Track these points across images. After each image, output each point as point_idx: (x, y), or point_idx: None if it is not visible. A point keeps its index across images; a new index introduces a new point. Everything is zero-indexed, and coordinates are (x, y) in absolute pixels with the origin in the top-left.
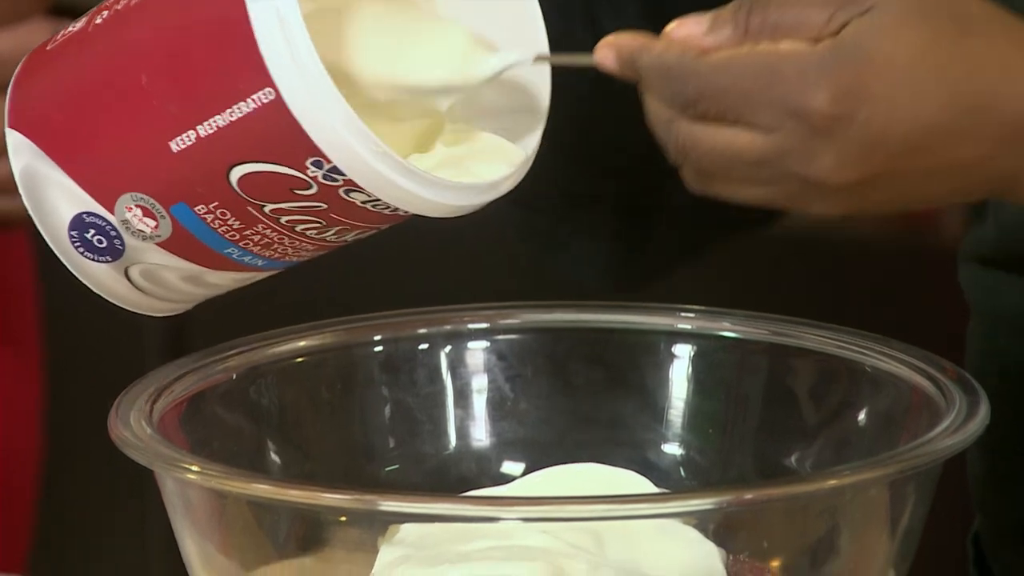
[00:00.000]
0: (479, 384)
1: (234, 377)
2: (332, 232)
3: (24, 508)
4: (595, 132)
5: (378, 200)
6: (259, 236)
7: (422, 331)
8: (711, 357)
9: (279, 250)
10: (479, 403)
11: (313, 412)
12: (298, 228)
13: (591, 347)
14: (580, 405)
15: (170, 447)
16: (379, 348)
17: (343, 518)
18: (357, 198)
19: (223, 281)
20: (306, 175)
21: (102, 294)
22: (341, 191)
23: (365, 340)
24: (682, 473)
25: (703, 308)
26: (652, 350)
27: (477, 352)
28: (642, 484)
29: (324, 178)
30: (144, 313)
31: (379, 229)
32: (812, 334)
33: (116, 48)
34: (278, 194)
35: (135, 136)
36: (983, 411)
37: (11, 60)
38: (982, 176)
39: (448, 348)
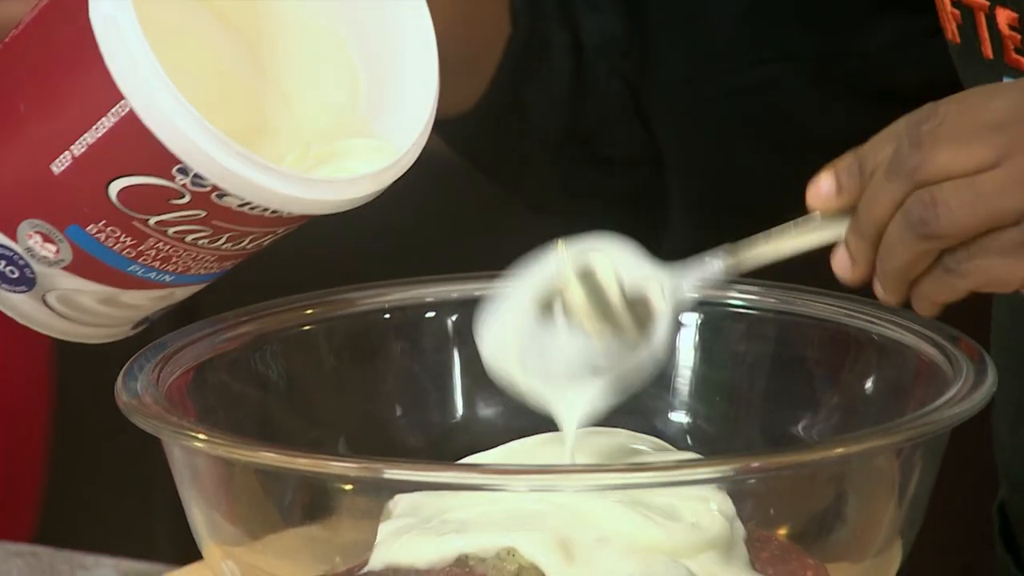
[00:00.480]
0: None
1: (241, 345)
2: (224, 240)
3: (32, 476)
4: (592, 127)
5: (250, 202)
6: (154, 251)
7: (429, 299)
8: (718, 326)
9: (180, 264)
10: (486, 371)
11: (320, 380)
12: (188, 239)
13: None
14: None
15: (177, 415)
16: (386, 316)
17: (349, 486)
18: (231, 202)
19: (140, 301)
20: (175, 184)
21: (30, 325)
22: (213, 196)
23: (372, 308)
24: (689, 441)
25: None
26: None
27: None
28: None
29: (192, 184)
30: (80, 341)
31: (275, 234)
32: (819, 302)
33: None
34: (156, 206)
35: (21, 162)
36: (990, 379)
37: None
38: None
39: (455, 316)
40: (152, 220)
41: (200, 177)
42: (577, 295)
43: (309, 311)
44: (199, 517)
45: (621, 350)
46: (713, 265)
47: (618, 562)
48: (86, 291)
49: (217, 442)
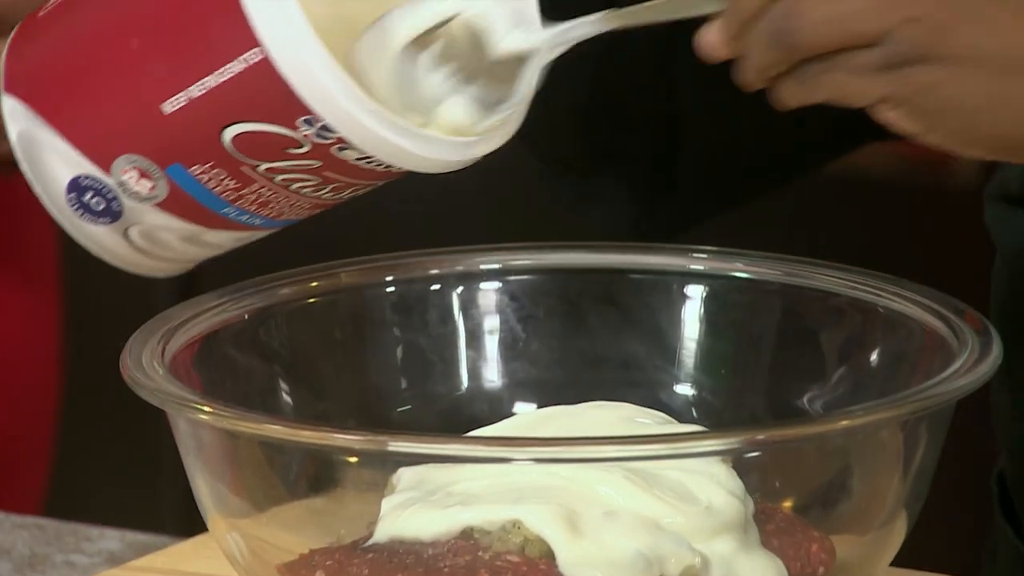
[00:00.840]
0: (491, 325)
1: (246, 318)
2: (328, 190)
3: (40, 448)
4: (616, 85)
5: (371, 157)
6: (255, 195)
7: (434, 272)
8: (724, 298)
9: (276, 208)
10: (491, 344)
11: (325, 353)
12: (293, 187)
13: (603, 288)
14: (592, 346)
15: (182, 388)
16: (391, 289)
17: (355, 459)
18: (350, 155)
19: (222, 240)
20: (298, 134)
21: (103, 256)
22: (333, 149)
23: (377, 281)
24: (694, 414)
25: (716, 248)
26: (665, 291)
27: (489, 293)
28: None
29: (316, 136)
30: (144, 274)
31: (375, 185)
32: (825, 275)
33: (107, 13)
34: (271, 154)
35: (128, 99)
36: (995, 351)
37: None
38: None
39: (460, 289)
40: (262, 167)
41: (328, 129)
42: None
43: (314, 284)
44: (204, 489)
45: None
46: (589, 22)
47: (625, 537)
48: (172, 228)
49: (222, 414)
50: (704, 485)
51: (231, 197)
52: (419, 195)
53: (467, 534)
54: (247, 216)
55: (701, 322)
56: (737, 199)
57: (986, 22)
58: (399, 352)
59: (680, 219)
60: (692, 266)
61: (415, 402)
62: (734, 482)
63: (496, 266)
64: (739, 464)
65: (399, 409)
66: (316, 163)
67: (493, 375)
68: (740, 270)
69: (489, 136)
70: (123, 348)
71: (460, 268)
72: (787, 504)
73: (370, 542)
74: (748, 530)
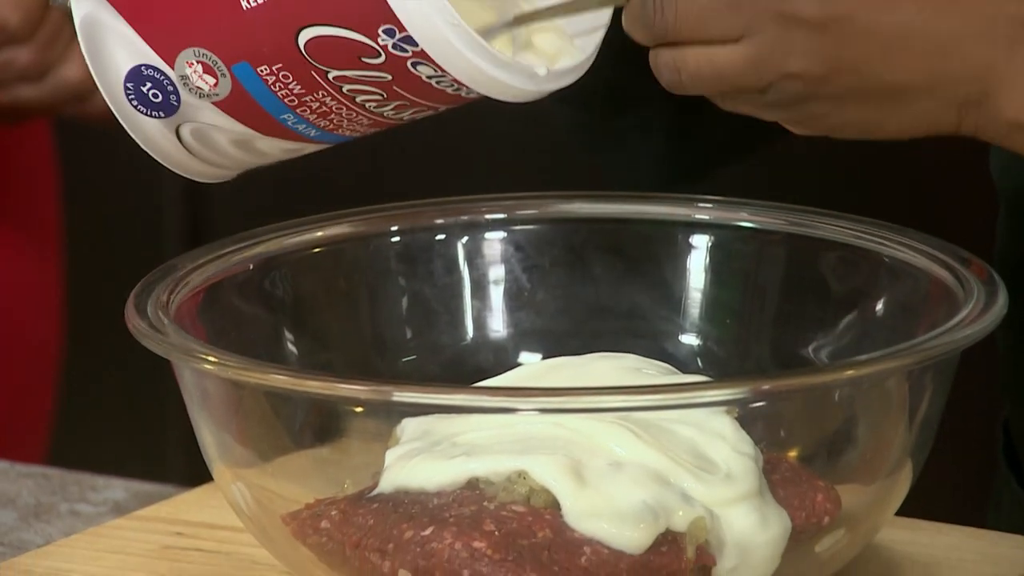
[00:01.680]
0: (496, 275)
1: (251, 268)
2: (391, 107)
3: (44, 397)
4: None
5: (443, 76)
6: (318, 104)
7: (439, 221)
8: (729, 247)
9: (335, 121)
10: (496, 294)
11: (330, 303)
12: (359, 99)
13: (608, 237)
14: (597, 296)
15: (187, 338)
16: (396, 239)
17: (359, 409)
18: (423, 72)
19: (272, 149)
20: (376, 43)
21: (150, 151)
22: (409, 63)
23: (382, 231)
24: (699, 364)
25: (721, 198)
26: (670, 240)
27: (494, 243)
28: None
29: (394, 48)
30: (187, 176)
31: (436, 111)
32: (830, 224)
33: None
34: (345, 61)
35: None
36: (1001, 301)
37: None
38: (956, 62)
39: (465, 239)
40: (332, 74)
41: (409, 41)
42: None
43: (319, 233)
44: (209, 439)
45: None
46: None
47: (631, 488)
48: (226, 129)
49: (227, 364)
50: (718, 447)
51: (293, 103)
52: (438, 145)
53: (472, 484)
54: (304, 125)
55: (706, 272)
56: (756, 146)
57: (860, 71)
58: (404, 302)
59: (703, 164)
60: (697, 215)
61: (420, 352)
62: (740, 436)
63: (501, 216)
64: (744, 414)
65: (404, 359)
66: (388, 76)
67: (498, 325)
68: (745, 219)
69: (564, 70)
70: (126, 297)
71: (465, 218)
72: (792, 454)
73: (375, 492)
74: (765, 495)
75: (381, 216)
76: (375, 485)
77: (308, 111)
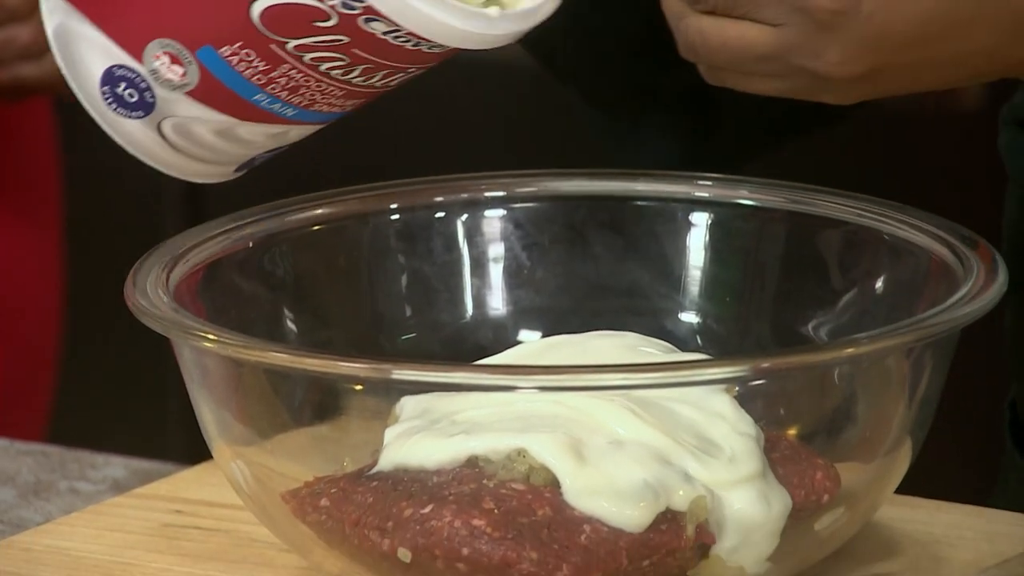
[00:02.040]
0: (496, 252)
1: (251, 245)
2: (358, 73)
3: (45, 375)
4: (660, 23)
5: (398, 29)
6: (285, 79)
7: (439, 199)
8: (729, 225)
9: (307, 95)
10: (496, 272)
11: (330, 281)
12: (323, 67)
13: (608, 215)
14: (597, 273)
15: (187, 315)
16: (396, 216)
17: (359, 386)
18: (378, 28)
19: (255, 136)
20: (325, 4)
21: (139, 155)
22: (360, 20)
23: (382, 208)
24: (699, 342)
25: (721, 176)
26: (670, 218)
27: (494, 220)
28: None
29: (343, 7)
30: (184, 178)
31: (407, 73)
32: (830, 202)
33: None
34: (300, 28)
35: None
36: (1001, 278)
37: None
38: (990, 65)
39: (465, 216)
40: (291, 44)
41: None
42: None
43: (319, 211)
44: (209, 417)
45: None
46: None
47: (631, 467)
48: (204, 119)
49: (227, 342)
50: (719, 427)
51: (261, 81)
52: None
53: (472, 462)
54: (279, 105)
55: (706, 249)
56: (775, 142)
57: (883, 75)
58: (404, 280)
59: (721, 161)
60: (697, 193)
61: (420, 330)
62: (740, 415)
63: (501, 193)
64: (744, 392)
65: (403, 337)
66: (343, 38)
67: (498, 303)
68: (745, 197)
69: (520, 12)
70: (126, 275)
71: (465, 196)
72: (792, 432)
73: (374, 470)
74: (767, 476)
75: (380, 194)
76: (374, 463)
77: (278, 88)
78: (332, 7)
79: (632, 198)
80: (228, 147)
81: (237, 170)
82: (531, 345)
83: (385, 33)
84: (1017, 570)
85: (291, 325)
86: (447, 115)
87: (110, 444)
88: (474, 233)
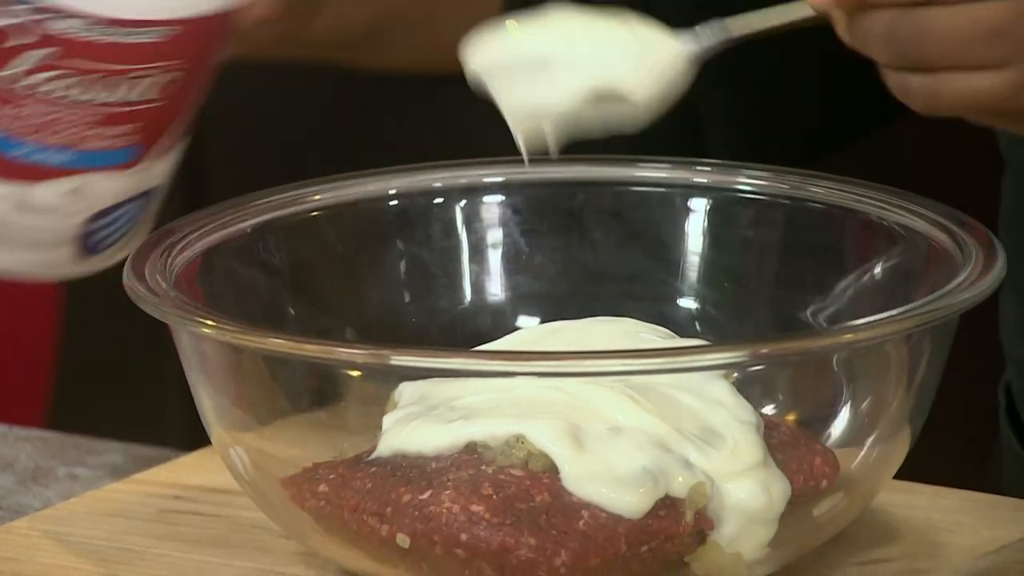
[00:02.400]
0: (494, 238)
1: (249, 231)
2: (99, 89)
3: (43, 361)
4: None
5: (86, 16)
6: (30, 116)
7: (437, 185)
8: (727, 211)
9: (67, 133)
10: (494, 258)
11: (328, 267)
12: (56, 93)
13: (607, 201)
14: (595, 259)
15: (185, 301)
16: (394, 203)
17: (357, 372)
18: (71, 26)
19: (51, 200)
20: (17, 20)
21: None
22: (51, 24)
23: (380, 195)
24: (698, 327)
25: (719, 162)
26: (668, 204)
27: (492, 206)
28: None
29: (30, 16)
30: (28, 275)
31: (161, 71)
32: (829, 188)
33: None
34: (9, 55)
35: None
36: (1000, 264)
37: None
38: None
39: (463, 202)
40: (10, 74)
41: (26, 2)
42: None
43: (317, 197)
44: (207, 403)
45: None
46: (709, 32)
47: (630, 453)
48: None
49: (225, 328)
50: (719, 414)
51: (9, 126)
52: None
53: (471, 448)
54: (43, 152)
55: (704, 235)
56: (825, 156)
57: None
58: (402, 266)
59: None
60: (696, 179)
61: (418, 316)
62: (738, 402)
63: (499, 179)
64: (742, 378)
65: (402, 323)
66: (53, 49)
67: (496, 289)
68: (744, 183)
69: None
70: (126, 260)
71: (463, 181)
72: (790, 417)
73: (373, 456)
74: (769, 466)
75: (379, 179)
76: (373, 449)
77: (31, 131)
78: (25, 23)
79: (630, 184)
80: (36, 222)
81: (81, 257)
82: (530, 331)
83: (80, 28)
84: (1016, 556)
85: (289, 311)
86: (446, 102)
87: (109, 430)
88: (472, 219)
